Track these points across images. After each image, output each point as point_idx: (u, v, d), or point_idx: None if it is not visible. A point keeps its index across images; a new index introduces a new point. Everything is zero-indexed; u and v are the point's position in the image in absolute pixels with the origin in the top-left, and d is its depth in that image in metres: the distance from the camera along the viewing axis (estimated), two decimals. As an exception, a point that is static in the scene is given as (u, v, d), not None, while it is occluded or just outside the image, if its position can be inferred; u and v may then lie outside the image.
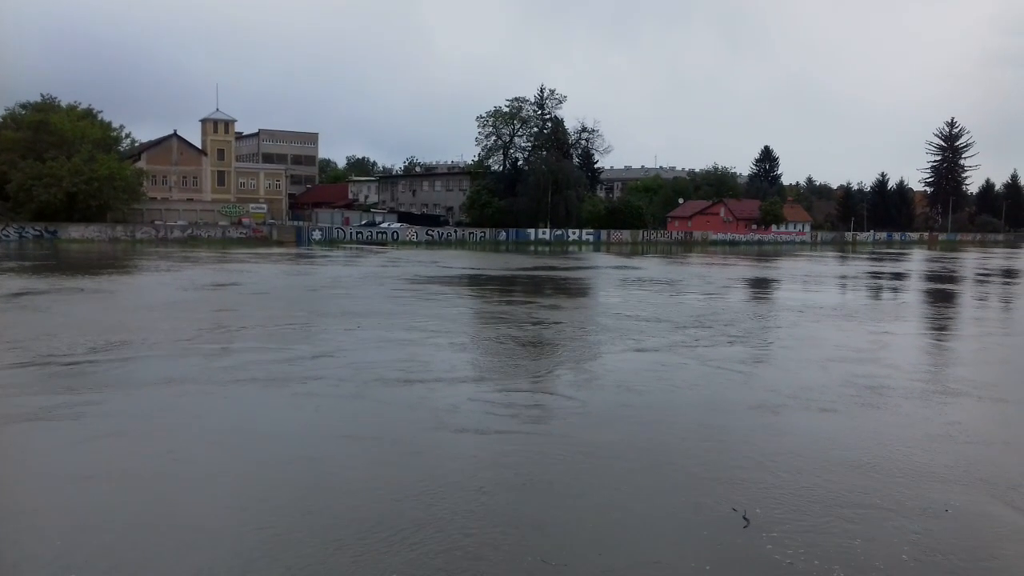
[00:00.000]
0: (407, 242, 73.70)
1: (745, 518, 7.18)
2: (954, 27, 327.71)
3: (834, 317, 22.53)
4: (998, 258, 67.72)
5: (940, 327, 22.32)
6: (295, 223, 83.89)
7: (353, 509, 7.35)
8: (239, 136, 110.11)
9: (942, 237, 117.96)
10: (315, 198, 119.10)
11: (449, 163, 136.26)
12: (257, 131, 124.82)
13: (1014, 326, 22.51)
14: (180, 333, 16.91)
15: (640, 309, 23.11)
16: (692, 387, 12.76)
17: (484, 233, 80.00)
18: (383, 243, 71.93)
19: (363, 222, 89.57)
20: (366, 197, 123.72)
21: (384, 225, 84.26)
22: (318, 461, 8.78)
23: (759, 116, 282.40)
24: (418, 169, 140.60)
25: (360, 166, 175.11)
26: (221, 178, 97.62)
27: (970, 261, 61.04)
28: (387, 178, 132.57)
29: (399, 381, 12.51)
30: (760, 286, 34.81)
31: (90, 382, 12.25)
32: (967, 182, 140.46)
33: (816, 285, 35.01)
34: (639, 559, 6.46)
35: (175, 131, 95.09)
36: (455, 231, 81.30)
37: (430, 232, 77.88)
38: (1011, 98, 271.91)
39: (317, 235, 72.12)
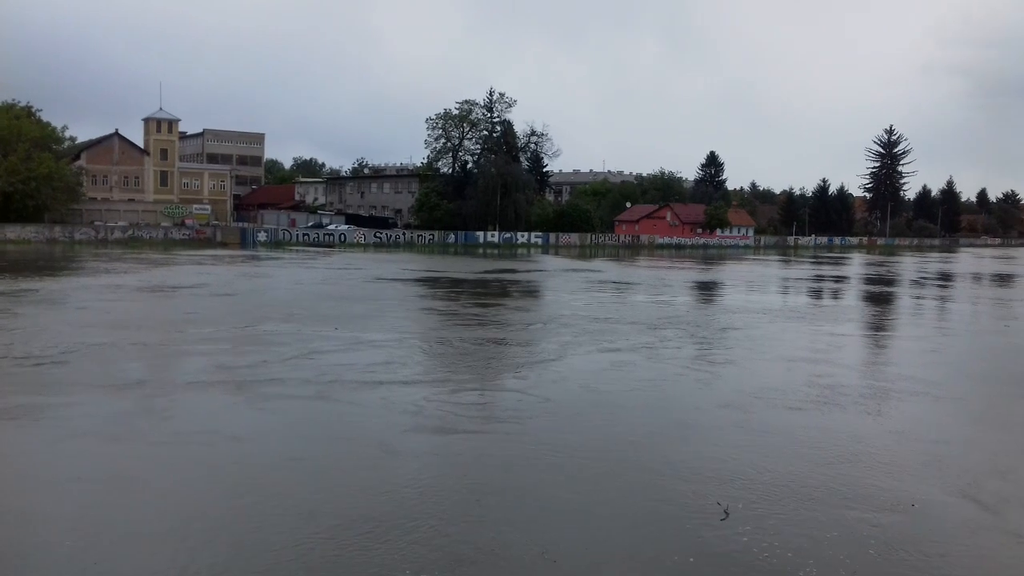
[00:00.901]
0: (355, 244, 73.03)
1: (726, 512, 7.33)
2: (894, 38, 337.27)
3: (790, 319, 23.11)
4: (935, 262, 69.67)
5: (890, 329, 22.93)
6: (240, 224, 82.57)
7: (346, 509, 7.32)
8: (183, 136, 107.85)
9: (881, 241, 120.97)
10: (261, 199, 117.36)
11: (398, 165, 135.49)
12: (202, 131, 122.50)
13: (957, 327, 23.16)
14: (149, 335, 16.61)
15: (606, 311, 23.38)
16: (661, 387, 12.97)
17: (433, 236, 79.62)
18: (330, 245, 71.11)
19: (310, 224, 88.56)
20: (315, 199, 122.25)
21: (331, 227, 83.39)
22: (301, 462, 8.70)
23: (705, 122, 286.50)
24: (367, 171, 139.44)
25: (307, 167, 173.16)
26: (164, 178, 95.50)
27: (910, 265, 62.68)
28: (335, 180, 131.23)
29: (377, 383, 12.46)
30: (717, 289, 35.35)
31: (59, 384, 12.01)
32: (905, 188, 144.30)
33: (770, 289, 35.80)
34: (626, 552, 6.60)
35: (116, 130, 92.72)
36: (404, 233, 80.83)
37: (378, 234, 77.31)
38: (947, 107, 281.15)
39: (262, 236, 71.02)
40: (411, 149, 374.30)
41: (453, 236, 79.67)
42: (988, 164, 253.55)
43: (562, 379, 13.20)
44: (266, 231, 73.94)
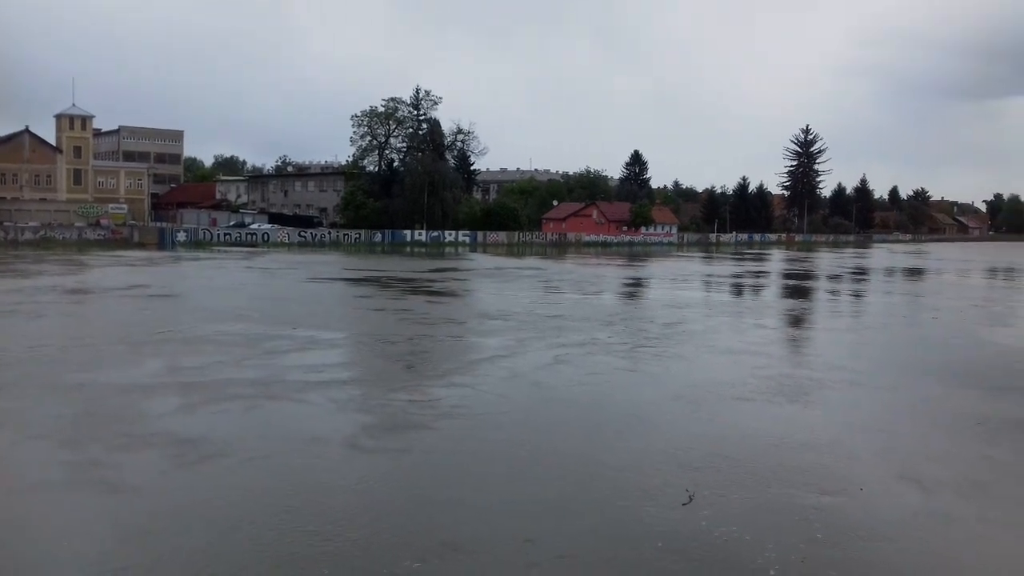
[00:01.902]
0: (279, 244, 71.62)
1: (691, 497, 7.63)
2: (811, 41, 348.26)
3: (727, 314, 23.99)
4: (852, 257, 72.31)
5: (820, 323, 23.92)
6: (158, 224, 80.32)
7: (333, 503, 7.35)
8: (98, 133, 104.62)
9: (799, 238, 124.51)
10: (180, 198, 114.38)
11: (323, 163, 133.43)
12: (117, 128, 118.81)
13: (883, 321, 24.08)
14: (95, 338, 16.20)
15: (554, 308, 23.74)
16: (613, 381, 13.22)
17: (359, 235, 78.47)
18: (253, 245, 69.51)
19: (232, 223, 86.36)
20: (237, 197, 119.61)
21: (254, 226, 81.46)
22: (267, 460, 8.64)
23: (630, 122, 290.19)
24: (290, 169, 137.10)
25: (228, 165, 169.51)
26: (77, 177, 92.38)
27: (830, 260, 64.89)
28: (257, 178, 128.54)
29: (336, 382, 12.44)
30: (654, 287, 36.12)
31: (6, 387, 11.69)
32: (821, 186, 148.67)
33: (704, 286, 36.74)
34: (600, 536, 6.87)
35: (27, 127, 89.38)
36: (329, 232, 79.48)
37: (303, 233, 75.84)
38: (861, 106, 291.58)
39: (182, 236, 68.89)
40: (336, 147, 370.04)
41: (380, 235, 78.75)
42: (899, 163, 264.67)
43: (517, 375, 13.35)
44: (186, 231, 71.81)
